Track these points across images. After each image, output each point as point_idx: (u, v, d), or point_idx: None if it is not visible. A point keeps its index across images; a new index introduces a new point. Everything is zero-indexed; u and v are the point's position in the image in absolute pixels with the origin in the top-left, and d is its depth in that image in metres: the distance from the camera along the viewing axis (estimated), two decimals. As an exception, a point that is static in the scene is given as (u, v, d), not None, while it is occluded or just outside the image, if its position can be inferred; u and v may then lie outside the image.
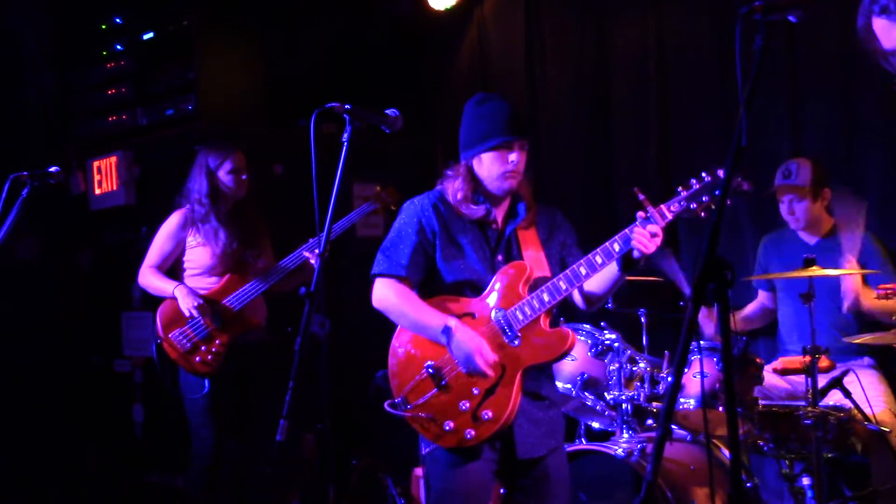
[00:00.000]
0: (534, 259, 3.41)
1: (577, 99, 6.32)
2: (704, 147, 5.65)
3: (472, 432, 3.26)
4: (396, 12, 6.76)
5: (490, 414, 3.26)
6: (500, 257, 3.43)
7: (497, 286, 3.37)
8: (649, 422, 4.44)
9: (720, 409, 4.12)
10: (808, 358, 3.98)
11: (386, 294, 3.42)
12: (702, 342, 4.18)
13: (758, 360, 4.27)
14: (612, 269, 3.33)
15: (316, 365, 3.15)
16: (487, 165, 3.39)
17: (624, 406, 4.33)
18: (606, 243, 3.27)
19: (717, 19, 5.62)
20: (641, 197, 3.22)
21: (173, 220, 5.06)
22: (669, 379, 4.27)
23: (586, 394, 4.43)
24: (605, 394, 4.38)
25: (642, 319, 4.67)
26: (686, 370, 4.22)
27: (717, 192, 3.08)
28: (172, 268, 5.09)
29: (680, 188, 3.22)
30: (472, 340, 3.27)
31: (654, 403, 4.33)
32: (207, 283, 4.96)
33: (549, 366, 3.51)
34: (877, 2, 2.38)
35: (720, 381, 4.14)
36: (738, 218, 5.48)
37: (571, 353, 4.41)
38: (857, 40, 2.49)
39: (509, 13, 6.65)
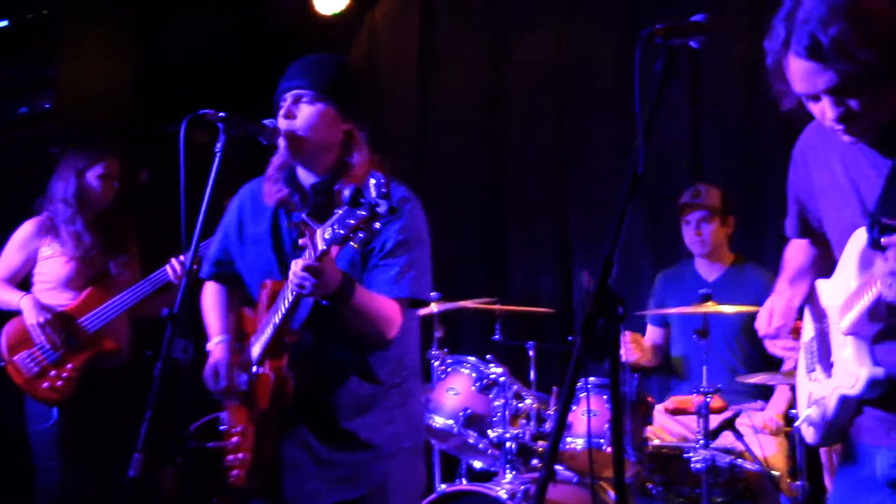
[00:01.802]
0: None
1: (472, 114, 6.39)
2: (603, 166, 5.78)
3: (236, 472, 3.07)
4: (281, 14, 6.72)
5: (242, 455, 3.06)
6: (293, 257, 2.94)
7: (260, 305, 3.06)
8: (535, 462, 4.48)
9: (608, 449, 4.18)
10: (700, 398, 4.09)
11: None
12: (591, 379, 4.24)
13: (649, 398, 4.35)
14: None
15: (177, 393, 3.09)
16: None
17: (508, 444, 4.35)
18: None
19: (618, 37, 5.78)
20: (303, 216, 2.79)
21: (26, 229, 4.90)
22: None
23: (469, 431, 4.44)
24: (489, 431, 4.40)
25: (530, 353, 4.71)
26: (574, 408, 4.28)
27: (375, 210, 2.51)
28: (24, 284, 4.89)
29: (337, 209, 2.63)
30: (205, 373, 3.17)
31: (541, 442, 4.37)
32: (64, 299, 4.78)
33: (364, 396, 3.03)
34: (800, 41, 2.13)
35: (608, 421, 4.21)
36: (633, 248, 5.60)
37: (454, 386, 4.51)
38: (765, 77, 2.30)
39: (402, 22, 6.68)
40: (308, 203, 3.03)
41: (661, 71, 2.10)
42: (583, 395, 4.23)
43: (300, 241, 2.73)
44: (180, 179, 2.99)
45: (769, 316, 2.59)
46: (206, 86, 6.33)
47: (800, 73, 2.16)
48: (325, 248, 2.63)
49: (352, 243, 2.57)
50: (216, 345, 3.24)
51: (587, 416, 4.22)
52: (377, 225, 2.54)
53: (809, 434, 2.52)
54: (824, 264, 2.60)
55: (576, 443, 4.27)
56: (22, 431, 4.78)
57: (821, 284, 2.57)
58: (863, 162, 2.33)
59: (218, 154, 3.03)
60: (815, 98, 2.20)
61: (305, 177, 3.08)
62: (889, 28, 2.11)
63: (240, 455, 3.07)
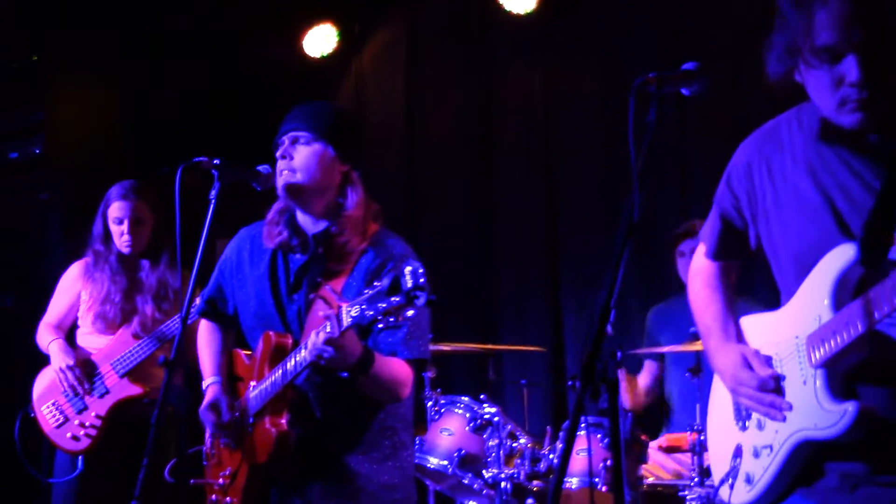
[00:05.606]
0: (320, 318, 2.83)
1: (460, 154, 6.43)
2: (591, 205, 5.82)
3: None
4: (270, 57, 6.76)
5: (230, 500, 3.07)
6: (295, 299, 3.04)
7: (258, 353, 3.06)
8: (529, 501, 4.47)
9: (604, 489, 4.19)
10: (694, 435, 4.10)
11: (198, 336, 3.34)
12: (589, 419, 4.24)
13: (643, 437, 4.36)
14: None
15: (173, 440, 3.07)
16: None
17: (503, 485, 4.34)
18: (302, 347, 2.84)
19: (602, 75, 5.83)
20: (327, 289, 2.81)
21: (71, 271, 4.64)
22: (551, 456, 4.33)
23: (464, 471, 4.43)
24: (484, 471, 4.39)
25: (524, 391, 4.72)
26: (569, 447, 4.27)
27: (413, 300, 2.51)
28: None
29: (366, 289, 2.64)
30: (203, 408, 3.13)
31: (535, 482, 4.36)
32: (100, 343, 4.49)
33: (360, 447, 3.02)
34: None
35: (604, 460, 4.21)
36: (623, 288, 5.61)
37: (448, 427, 4.51)
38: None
39: (389, 63, 6.73)
40: (309, 250, 3.03)
41: (654, 120, 2.11)
42: (579, 433, 4.23)
43: (321, 313, 2.70)
44: (176, 227, 3.00)
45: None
46: (196, 128, 6.36)
47: (837, 18, 1.99)
48: (350, 324, 2.62)
49: (379, 325, 2.59)
50: (210, 385, 3.23)
51: (588, 456, 4.21)
52: (409, 313, 2.55)
53: (740, 494, 2.29)
54: (732, 295, 2.48)
55: (570, 482, 4.27)
56: (39, 486, 4.51)
57: (758, 320, 2.39)
58: (841, 172, 2.14)
59: (213, 201, 3.05)
60: (837, 58, 2.02)
61: (304, 220, 3.07)
62: None
63: (227, 499, 3.07)
